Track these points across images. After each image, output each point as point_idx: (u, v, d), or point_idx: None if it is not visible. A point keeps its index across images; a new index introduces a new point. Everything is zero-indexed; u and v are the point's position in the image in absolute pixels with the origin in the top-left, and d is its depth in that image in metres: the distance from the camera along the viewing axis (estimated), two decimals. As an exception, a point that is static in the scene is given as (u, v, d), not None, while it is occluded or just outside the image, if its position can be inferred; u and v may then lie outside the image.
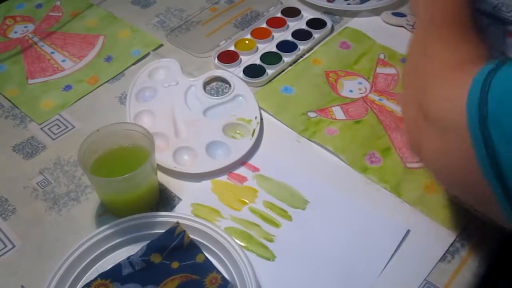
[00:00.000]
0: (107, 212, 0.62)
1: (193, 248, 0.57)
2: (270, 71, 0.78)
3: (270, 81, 0.77)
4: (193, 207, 0.62)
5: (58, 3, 0.94)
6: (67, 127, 0.72)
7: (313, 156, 0.68)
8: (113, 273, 0.55)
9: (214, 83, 0.78)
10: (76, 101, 0.76)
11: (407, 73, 0.58)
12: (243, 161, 0.67)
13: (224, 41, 0.83)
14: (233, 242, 0.56)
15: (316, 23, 0.85)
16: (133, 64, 0.81)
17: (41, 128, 0.73)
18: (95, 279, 0.54)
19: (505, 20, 0.82)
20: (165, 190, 0.64)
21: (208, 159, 0.66)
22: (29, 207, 0.64)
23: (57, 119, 0.74)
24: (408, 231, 0.59)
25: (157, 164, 0.64)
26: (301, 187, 0.64)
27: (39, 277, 0.56)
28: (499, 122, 0.39)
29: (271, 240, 0.59)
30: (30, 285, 0.57)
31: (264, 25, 0.86)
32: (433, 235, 0.59)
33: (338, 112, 0.72)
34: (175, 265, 0.56)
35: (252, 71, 0.77)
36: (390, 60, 0.80)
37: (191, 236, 0.57)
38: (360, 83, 0.76)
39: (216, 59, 0.80)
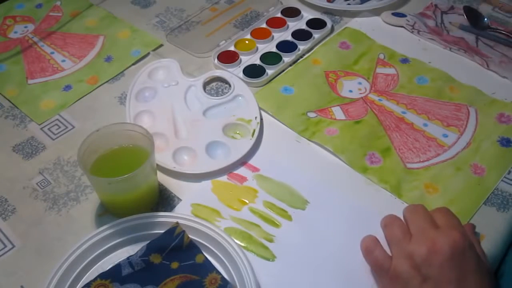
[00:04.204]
0: (107, 212, 0.62)
1: (193, 248, 0.57)
2: (270, 71, 0.78)
3: (270, 81, 0.77)
4: (193, 208, 0.62)
5: (58, 3, 0.94)
6: (67, 127, 0.72)
7: (313, 156, 0.68)
8: (113, 273, 0.55)
9: (214, 83, 0.78)
10: (76, 101, 0.76)
11: None
12: (243, 161, 0.67)
13: (224, 41, 0.83)
14: (233, 243, 0.56)
15: (316, 23, 0.85)
16: (133, 64, 0.81)
17: (41, 128, 0.72)
18: (95, 279, 0.54)
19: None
20: (165, 190, 0.64)
21: (208, 159, 0.66)
22: (28, 207, 0.64)
23: (57, 119, 0.74)
24: (408, 231, 0.59)
25: (157, 164, 0.64)
26: (301, 187, 0.64)
27: (39, 277, 0.56)
28: None
29: (271, 240, 0.59)
30: (30, 285, 0.57)
31: (264, 25, 0.86)
32: (433, 236, 0.59)
33: (338, 112, 0.72)
34: (174, 265, 0.56)
35: (252, 71, 0.77)
36: (390, 60, 0.80)
37: (191, 237, 0.57)
38: (359, 83, 0.76)
39: (216, 59, 0.80)
